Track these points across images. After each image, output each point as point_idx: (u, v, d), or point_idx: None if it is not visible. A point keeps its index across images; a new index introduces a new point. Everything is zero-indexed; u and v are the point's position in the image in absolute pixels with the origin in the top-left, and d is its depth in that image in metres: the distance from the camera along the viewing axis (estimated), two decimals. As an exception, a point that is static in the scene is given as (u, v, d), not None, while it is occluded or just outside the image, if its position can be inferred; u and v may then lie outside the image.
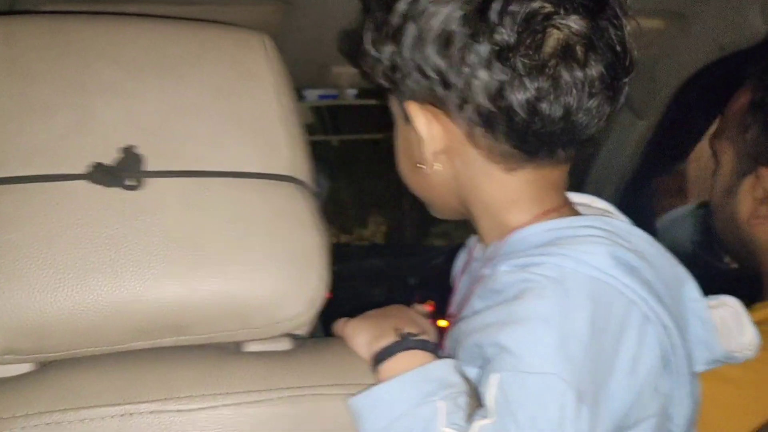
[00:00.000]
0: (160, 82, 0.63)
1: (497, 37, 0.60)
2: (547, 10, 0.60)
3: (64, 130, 0.60)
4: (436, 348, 0.67)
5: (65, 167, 0.59)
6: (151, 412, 0.58)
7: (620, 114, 1.41)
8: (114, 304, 0.57)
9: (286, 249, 0.61)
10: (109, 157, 0.59)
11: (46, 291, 0.55)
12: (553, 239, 0.66)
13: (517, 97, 0.61)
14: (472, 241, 0.82)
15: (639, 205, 1.58)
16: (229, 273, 0.59)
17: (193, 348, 0.63)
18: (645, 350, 0.64)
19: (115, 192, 0.59)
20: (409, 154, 0.73)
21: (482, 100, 0.62)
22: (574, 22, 0.61)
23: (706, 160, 1.32)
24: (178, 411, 0.59)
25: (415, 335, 0.66)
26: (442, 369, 0.63)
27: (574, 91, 0.61)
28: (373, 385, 0.63)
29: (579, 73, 0.61)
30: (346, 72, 1.24)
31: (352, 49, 0.99)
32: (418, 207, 0.83)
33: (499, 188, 0.69)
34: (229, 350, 0.65)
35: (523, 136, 0.64)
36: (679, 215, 1.64)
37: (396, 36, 0.65)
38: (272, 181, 0.63)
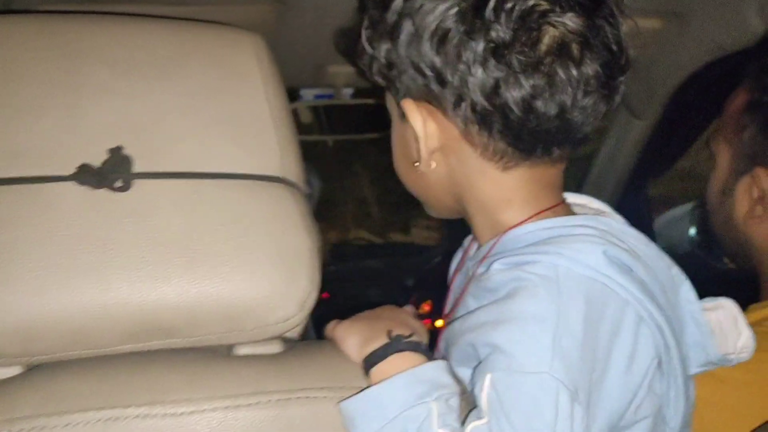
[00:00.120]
0: (149, 83, 0.63)
1: (493, 34, 0.60)
2: (543, 7, 0.60)
3: (51, 131, 0.59)
4: (428, 349, 0.67)
5: (53, 168, 0.58)
6: (137, 417, 0.58)
7: (618, 114, 1.41)
8: (101, 307, 0.56)
9: (276, 251, 0.60)
10: (98, 158, 0.59)
11: (33, 293, 0.55)
12: (547, 238, 0.66)
13: (513, 95, 0.61)
14: (467, 241, 0.82)
15: (637, 205, 1.58)
16: (218, 275, 0.58)
17: (182, 351, 0.63)
18: (640, 350, 0.64)
19: (103, 194, 0.58)
20: (405, 152, 0.73)
21: (478, 97, 0.62)
22: (570, 20, 0.60)
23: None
24: (165, 415, 0.58)
25: (406, 337, 0.66)
26: (433, 370, 0.63)
27: (569, 89, 0.61)
28: (365, 388, 0.62)
29: (574, 71, 0.61)
30: (342, 71, 1.23)
31: (348, 47, 0.99)
32: (415, 206, 0.83)
33: (495, 187, 0.69)
34: (219, 353, 0.65)
35: (518, 134, 0.64)
36: (677, 215, 1.65)
37: (392, 33, 0.65)
38: (262, 183, 0.63)
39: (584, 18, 0.61)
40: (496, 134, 0.64)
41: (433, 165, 0.70)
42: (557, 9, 0.60)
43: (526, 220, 0.68)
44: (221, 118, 0.63)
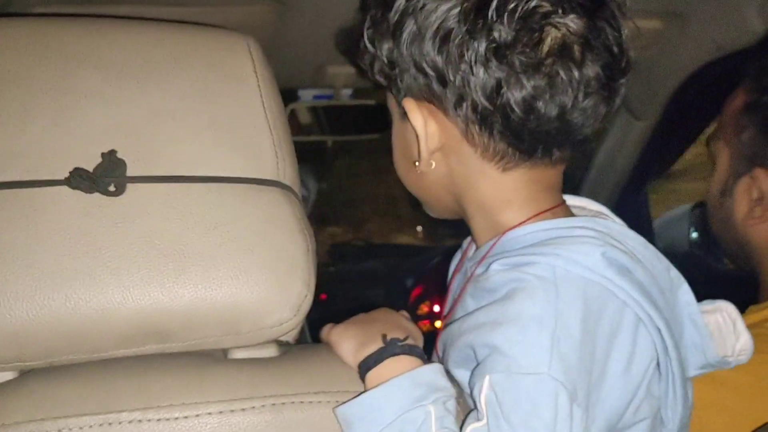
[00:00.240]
0: (143, 87, 0.62)
1: (495, 34, 0.60)
2: (545, 8, 0.60)
3: (44, 135, 0.59)
4: (423, 353, 0.67)
5: (45, 173, 0.58)
6: (131, 422, 0.57)
7: (618, 115, 1.41)
8: (94, 312, 0.56)
9: (271, 255, 0.60)
10: (91, 162, 0.58)
11: (25, 298, 0.55)
12: (545, 239, 0.66)
13: (514, 95, 0.61)
14: (466, 242, 0.82)
15: (636, 206, 1.58)
16: (212, 279, 0.58)
17: (177, 355, 0.63)
18: (638, 351, 0.64)
19: (96, 198, 0.58)
20: (405, 152, 0.73)
21: (479, 97, 0.62)
22: (572, 22, 0.61)
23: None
24: (159, 420, 0.58)
25: (401, 340, 0.66)
26: (430, 373, 0.63)
27: (570, 90, 0.62)
28: (360, 392, 0.62)
29: (575, 73, 0.61)
30: (341, 72, 1.24)
31: (349, 46, 0.99)
32: (415, 207, 0.83)
33: (494, 187, 0.69)
34: (214, 357, 0.64)
35: (518, 135, 0.64)
36: (676, 215, 1.64)
37: (394, 32, 0.65)
38: (257, 186, 0.63)
39: (586, 20, 0.61)
40: (497, 134, 0.64)
41: (433, 165, 0.70)
42: (559, 10, 0.60)
43: (524, 222, 0.68)
44: (216, 122, 0.63)
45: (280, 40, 1.06)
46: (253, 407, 0.60)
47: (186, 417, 0.58)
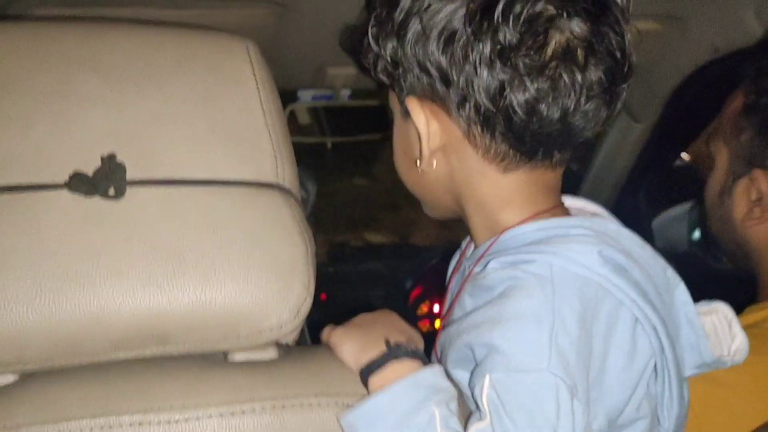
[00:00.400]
0: (142, 91, 0.62)
1: (500, 36, 0.60)
2: (549, 12, 0.61)
3: (43, 139, 0.59)
4: (425, 356, 0.67)
5: (45, 176, 0.58)
6: (131, 424, 0.57)
7: (617, 117, 1.42)
8: (93, 315, 0.56)
9: (270, 258, 0.60)
10: (91, 166, 0.59)
11: (25, 301, 0.55)
12: (543, 238, 0.67)
13: (517, 97, 0.62)
14: (465, 242, 0.83)
15: (635, 207, 1.58)
16: (211, 282, 0.58)
17: (177, 358, 0.63)
18: (638, 347, 0.65)
19: (96, 201, 0.58)
20: (406, 151, 0.74)
21: (482, 98, 0.62)
22: (576, 26, 0.61)
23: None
24: (160, 422, 0.58)
25: (404, 345, 0.66)
26: (431, 375, 0.63)
27: (573, 93, 0.62)
28: (361, 395, 0.63)
29: (578, 76, 0.62)
30: (341, 73, 1.24)
31: (352, 44, 0.99)
32: (414, 207, 0.83)
33: (494, 188, 0.69)
34: (214, 360, 0.64)
35: (520, 137, 0.64)
36: (675, 215, 1.65)
37: (399, 31, 0.66)
38: (256, 189, 0.63)
39: (590, 24, 0.62)
40: (499, 136, 0.65)
41: (434, 164, 0.70)
42: (564, 14, 0.61)
43: (523, 221, 0.69)
44: (215, 125, 0.63)
45: (279, 41, 1.07)
46: (254, 409, 0.60)
47: (186, 419, 0.58)
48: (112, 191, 0.58)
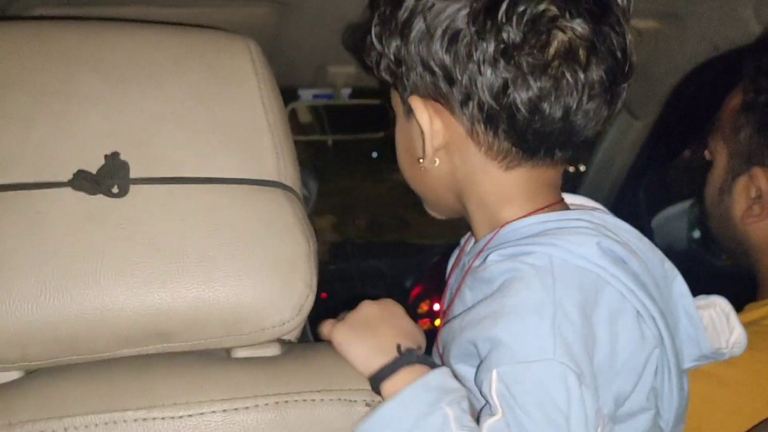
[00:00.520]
0: (144, 90, 0.63)
1: (504, 35, 0.61)
2: (552, 12, 0.61)
3: (46, 139, 0.59)
4: (432, 359, 0.68)
5: (48, 175, 0.58)
6: (136, 420, 0.58)
7: (617, 115, 1.42)
8: (97, 312, 0.57)
9: (272, 255, 0.60)
10: (94, 165, 0.59)
11: (28, 299, 0.55)
12: (542, 231, 0.67)
13: (520, 95, 0.62)
14: (464, 239, 0.83)
15: (634, 204, 1.59)
16: (214, 280, 0.59)
17: (180, 355, 0.63)
18: (645, 334, 0.65)
19: (99, 199, 0.58)
20: (409, 149, 0.74)
21: (486, 96, 0.63)
22: (578, 26, 0.62)
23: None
24: (164, 418, 0.58)
25: (416, 350, 0.67)
26: (440, 377, 0.64)
27: (575, 92, 0.63)
28: (363, 391, 0.63)
29: (581, 75, 0.63)
30: (342, 72, 1.24)
31: (355, 43, 0.99)
32: (415, 205, 0.83)
33: (496, 185, 0.70)
34: (217, 357, 0.65)
35: (522, 134, 0.65)
36: (674, 213, 1.65)
37: (403, 30, 0.66)
38: (259, 187, 0.63)
39: (592, 24, 0.62)
40: (502, 134, 0.65)
41: (437, 162, 0.71)
42: (566, 15, 0.62)
43: (523, 217, 0.69)
44: (217, 123, 0.64)
45: (281, 40, 1.07)
46: (257, 405, 0.60)
47: (190, 415, 0.59)
48: (115, 189, 0.58)
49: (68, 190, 0.58)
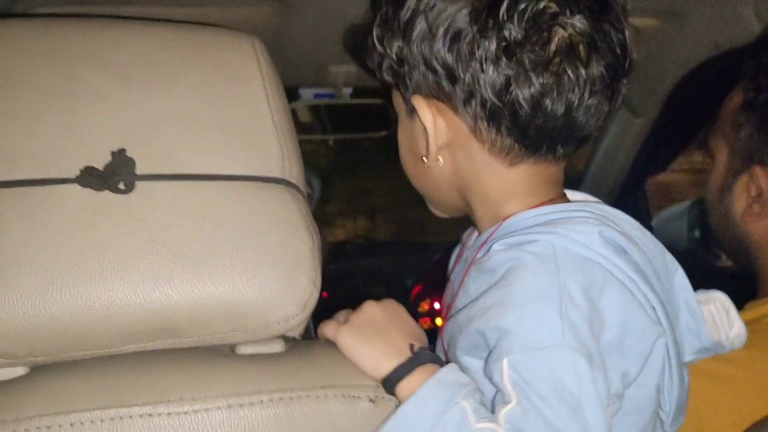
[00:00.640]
0: (150, 87, 0.63)
1: (506, 33, 0.62)
2: (553, 9, 0.62)
3: (52, 135, 0.60)
4: (440, 357, 0.69)
5: (55, 171, 0.59)
6: (141, 416, 0.58)
7: (617, 112, 1.42)
8: (104, 308, 0.57)
9: (277, 252, 0.61)
10: (100, 161, 0.59)
11: (35, 295, 0.55)
12: (545, 221, 0.68)
13: (523, 92, 0.63)
14: (465, 235, 0.83)
15: (635, 202, 1.59)
16: (219, 276, 0.59)
17: (185, 351, 0.64)
18: (648, 320, 0.66)
19: (105, 196, 0.59)
20: (412, 148, 0.75)
21: (488, 94, 0.64)
22: (579, 22, 0.63)
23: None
24: (169, 414, 0.59)
25: (426, 349, 0.68)
26: (450, 373, 0.65)
27: (576, 88, 0.64)
28: (365, 386, 0.64)
29: (581, 71, 0.63)
30: (343, 71, 1.24)
31: (356, 44, 1.00)
32: (416, 204, 0.84)
33: (499, 181, 0.70)
34: (222, 353, 0.65)
35: (525, 131, 0.66)
36: (675, 212, 1.65)
37: (405, 31, 0.67)
38: (263, 184, 0.63)
39: (592, 21, 0.63)
40: (504, 131, 0.66)
41: (441, 161, 0.71)
42: (567, 11, 0.62)
43: (526, 210, 0.70)
44: (222, 120, 0.64)
45: (282, 39, 1.07)
46: (261, 401, 0.61)
47: (195, 411, 0.59)
48: (121, 185, 0.59)
49: (75, 187, 0.58)
